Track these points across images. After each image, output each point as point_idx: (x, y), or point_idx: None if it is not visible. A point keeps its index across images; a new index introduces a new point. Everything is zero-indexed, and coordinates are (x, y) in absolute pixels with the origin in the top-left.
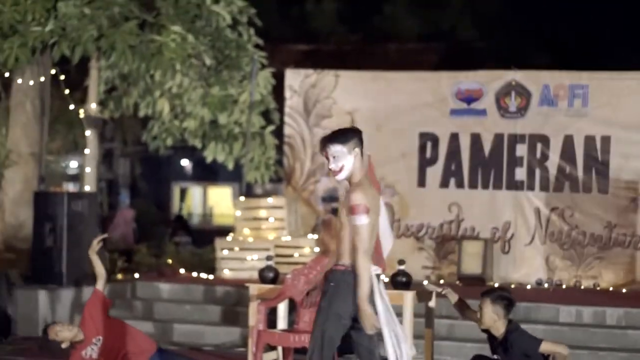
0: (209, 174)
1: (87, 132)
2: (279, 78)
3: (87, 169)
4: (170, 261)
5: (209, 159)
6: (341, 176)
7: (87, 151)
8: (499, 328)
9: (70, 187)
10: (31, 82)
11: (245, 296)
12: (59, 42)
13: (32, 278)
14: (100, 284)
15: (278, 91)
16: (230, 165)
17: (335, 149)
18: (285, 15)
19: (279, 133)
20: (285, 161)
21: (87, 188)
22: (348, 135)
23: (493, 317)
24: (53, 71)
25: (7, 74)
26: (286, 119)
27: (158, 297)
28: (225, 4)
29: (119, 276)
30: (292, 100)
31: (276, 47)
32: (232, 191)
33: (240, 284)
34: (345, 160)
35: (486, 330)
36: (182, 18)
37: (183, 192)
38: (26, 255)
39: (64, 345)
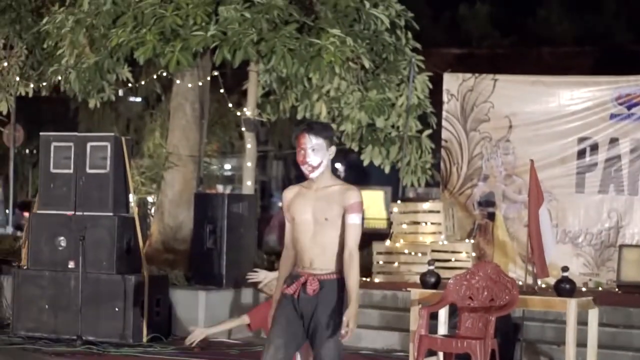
0: (361, 177)
1: (246, 135)
2: (434, 82)
3: (245, 172)
4: None
5: (365, 163)
6: (316, 173)
7: (245, 154)
8: None
9: (223, 189)
10: (191, 85)
11: (403, 300)
12: (220, 47)
13: (192, 279)
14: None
15: (433, 95)
16: (387, 169)
17: (318, 142)
18: (438, 18)
19: (435, 137)
20: (442, 165)
21: (245, 190)
22: (329, 131)
23: None
24: (213, 74)
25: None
26: (443, 122)
27: None
28: (384, 8)
29: None
30: (449, 104)
31: (429, 50)
32: (384, 194)
33: (397, 287)
34: (324, 157)
35: None
36: (340, 21)
37: None
38: (185, 256)
39: None
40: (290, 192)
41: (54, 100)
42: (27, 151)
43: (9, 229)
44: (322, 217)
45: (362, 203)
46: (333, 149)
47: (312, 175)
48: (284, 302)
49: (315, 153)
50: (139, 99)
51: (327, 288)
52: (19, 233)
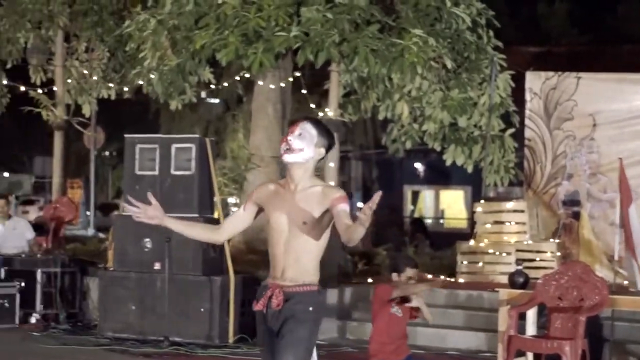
0: (440, 177)
1: None
2: (514, 80)
3: (327, 172)
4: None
5: (448, 162)
6: (290, 157)
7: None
8: None
9: None
10: (273, 86)
11: (489, 300)
12: (302, 47)
13: None
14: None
15: (514, 93)
16: (470, 169)
17: (311, 132)
18: (516, 16)
19: (518, 136)
20: (526, 164)
21: None
22: (328, 131)
23: None
24: (294, 74)
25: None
26: (526, 121)
27: None
28: (465, 7)
29: (360, 279)
30: (532, 103)
31: (508, 49)
32: (464, 194)
33: (482, 287)
34: (308, 147)
35: None
36: (421, 21)
37: (415, 195)
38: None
39: None
40: (267, 186)
41: (133, 102)
42: (107, 153)
43: (90, 231)
44: (300, 220)
45: (347, 199)
46: (322, 151)
47: (286, 158)
48: (259, 323)
49: (301, 139)
50: (217, 101)
51: (295, 300)
52: (100, 235)
